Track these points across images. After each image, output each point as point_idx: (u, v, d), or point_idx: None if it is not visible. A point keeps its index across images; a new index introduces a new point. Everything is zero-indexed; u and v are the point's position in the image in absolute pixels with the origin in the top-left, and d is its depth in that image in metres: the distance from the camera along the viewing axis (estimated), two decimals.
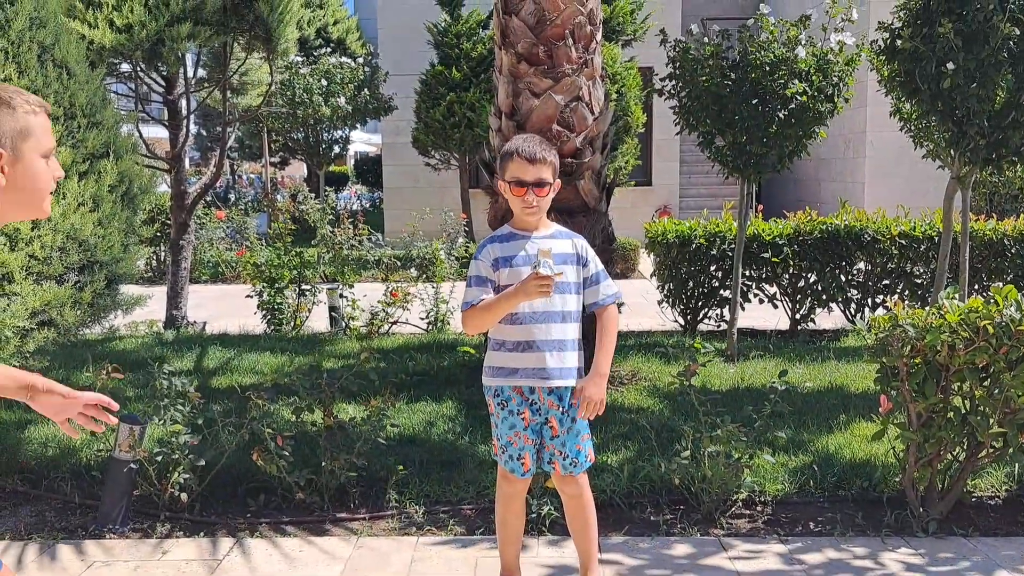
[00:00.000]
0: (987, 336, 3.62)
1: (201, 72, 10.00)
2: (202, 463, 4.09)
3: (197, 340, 7.65)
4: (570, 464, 3.12)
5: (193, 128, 21.16)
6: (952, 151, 5.97)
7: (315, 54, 17.57)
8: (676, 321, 8.25)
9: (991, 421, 3.76)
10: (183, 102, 8.55)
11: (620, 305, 3.34)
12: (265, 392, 4.48)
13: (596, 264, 3.15)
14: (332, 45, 21.63)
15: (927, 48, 5.61)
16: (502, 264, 3.05)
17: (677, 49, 6.79)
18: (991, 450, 3.87)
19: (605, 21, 12.81)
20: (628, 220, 14.63)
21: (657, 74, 7.43)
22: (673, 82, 6.88)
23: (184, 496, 4.05)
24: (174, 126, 8.54)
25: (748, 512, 4.10)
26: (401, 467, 4.28)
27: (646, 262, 12.07)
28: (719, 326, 8.10)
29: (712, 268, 7.98)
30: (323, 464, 4.14)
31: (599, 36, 6.08)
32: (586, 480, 3.20)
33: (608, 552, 3.73)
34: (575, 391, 3.06)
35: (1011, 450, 3.79)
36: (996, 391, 3.71)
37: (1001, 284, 6.67)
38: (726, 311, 7.90)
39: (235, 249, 12.84)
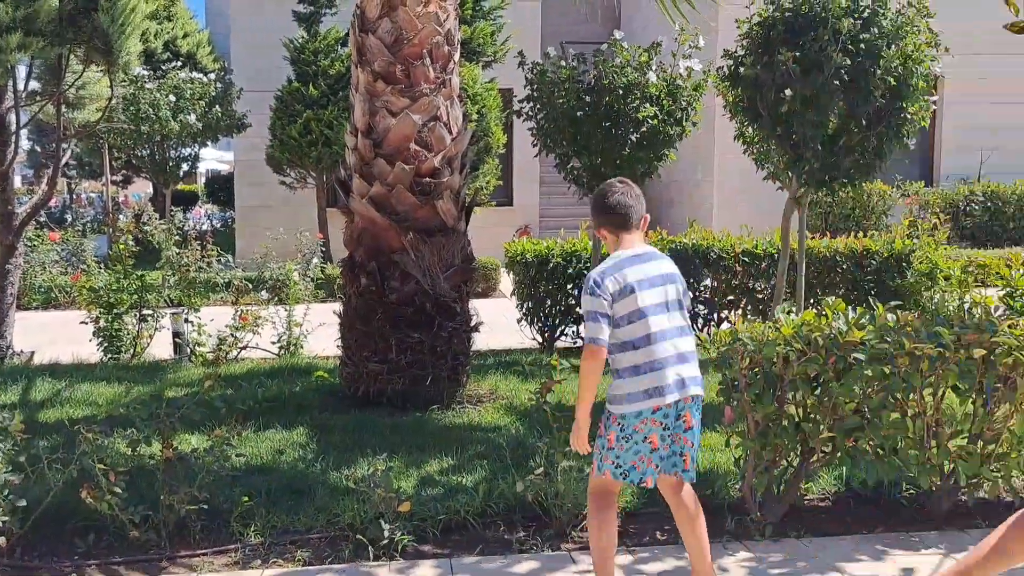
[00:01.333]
0: (817, 347, 3.80)
1: (34, 84, 9.45)
2: (23, 503, 3.79)
3: (22, 372, 7.15)
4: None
5: (26, 144, 19.97)
6: (790, 173, 6.27)
7: (163, 68, 16.90)
8: (535, 339, 8.32)
9: (822, 427, 3.94)
10: (12, 116, 8.05)
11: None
12: (98, 425, 4.21)
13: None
14: (182, 59, 20.89)
15: (767, 75, 5.88)
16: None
17: (535, 71, 6.90)
18: (821, 455, 4.07)
19: (465, 42, 12.89)
20: (489, 240, 14.67)
21: (516, 96, 7.51)
22: (531, 104, 6.98)
23: (2, 540, 3.74)
24: (1, 142, 8.03)
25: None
26: (246, 498, 4.12)
27: (506, 281, 12.16)
28: (575, 343, 8.22)
29: (569, 287, 8.09)
30: (161, 499, 3.93)
31: (457, 56, 6.10)
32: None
33: (458, 573, 3.70)
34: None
35: (839, 454, 4.00)
36: (826, 399, 3.90)
37: (833, 298, 7.02)
38: (582, 328, 8.02)
39: (70, 273, 12.14)
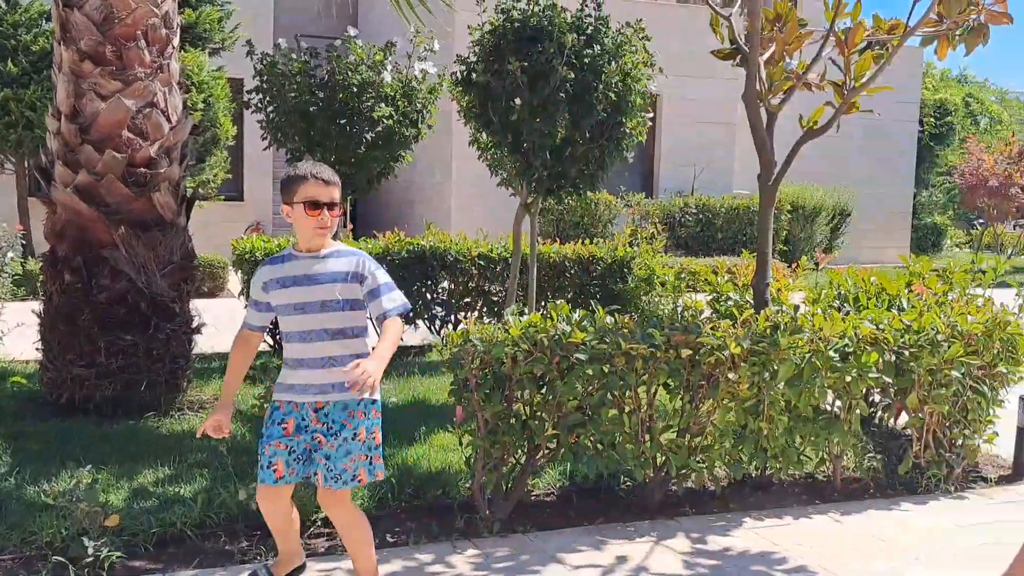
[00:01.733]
0: (543, 348, 3.95)
1: None
2: None
3: None
4: (332, 478, 3.18)
5: None
6: (520, 180, 6.46)
7: None
8: (266, 341, 8.03)
9: (547, 425, 4.10)
10: None
11: (409, 314, 3.61)
12: None
13: (374, 280, 3.20)
14: None
15: (498, 83, 6.02)
16: (273, 286, 3.21)
17: (264, 62, 6.66)
18: (547, 451, 4.23)
19: (190, 27, 12.24)
20: (218, 236, 14.02)
21: (247, 87, 7.21)
22: (260, 96, 6.73)
23: None
24: None
25: (328, 531, 4.05)
26: None
27: (235, 280, 11.69)
28: None
29: None
30: None
31: (177, 40, 5.76)
32: (347, 499, 3.31)
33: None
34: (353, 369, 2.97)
35: (563, 450, 4.18)
36: (551, 397, 4.06)
37: (560, 301, 7.36)
38: None
39: None
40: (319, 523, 4.05)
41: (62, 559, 3.55)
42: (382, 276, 3.24)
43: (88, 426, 5.21)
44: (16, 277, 8.68)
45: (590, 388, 4.11)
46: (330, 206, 3.17)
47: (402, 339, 7.72)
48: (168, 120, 5.60)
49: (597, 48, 6.08)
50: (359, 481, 3.24)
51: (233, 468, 4.39)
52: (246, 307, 3.39)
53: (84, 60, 5.33)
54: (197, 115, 11.68)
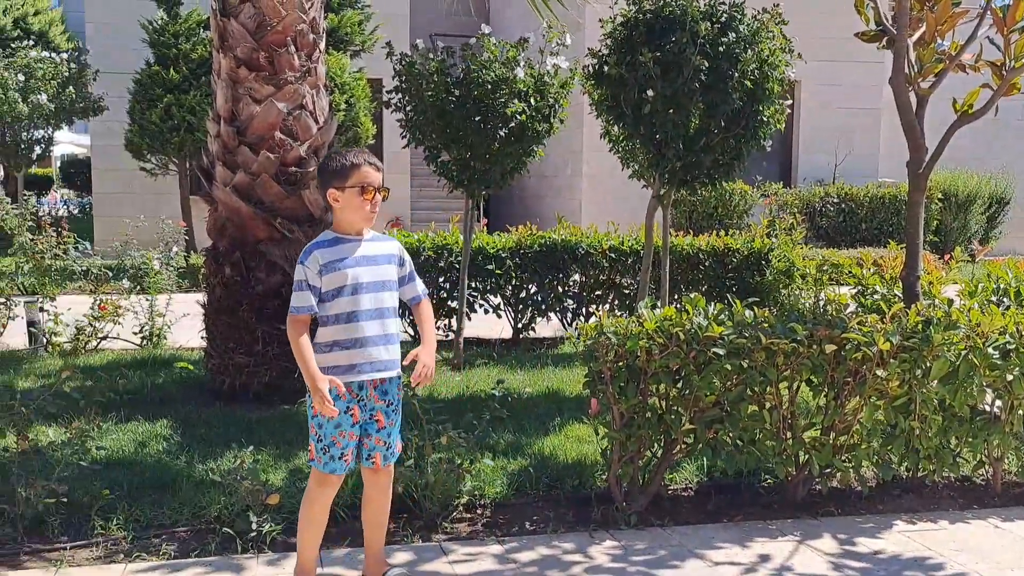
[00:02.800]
0: (679, 342, 3.96)
1: None
2: None
3: None
4: (391, 455, 3.39)
5: None
6: (653, 172, 6.46)
7: (12, 46, 15.95)
8: (407, 331, 8.31)
9: (683, 419, 4.11)
10: None
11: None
12: None
13: (410, 264, 3.48)
14: (33, 37, 19.78)
15: (630, 75, 6.03)
16: (330, 268, 3.26)
17: (403, 63, 6.86)
18: (683, 446, 4.24)
19: (333, 31, 12.72)
20: None
21: (386, 86, 7.46)
22: (399, 95, 6.94)
23: None
24: None
25: (469, 516, 4.20)
26: (106, 492, 3.98)
27: None
28: (447, 336, 8.26)
29: (440, 279, 8.12)
30: (17, 492, 3.76)
31: (323, 45, 6.02)
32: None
33: (330, 566, 3.69)
34: (409, 361, 3.30)
35: (700, 445, 4.18)
36: (687, 392, 4.07)
37: (695, 294, 7.34)
38: (454, 321, 8.07)
39: None
40: (460, 508, 4.21)
41: (230, 532, 3.82)
42: (412, 262, 3.51)
43: (248, 410, 5.55)
44: (181, 271, 9.27)
45: (728, 383, 4.09)
46: (379, 190, 3.33)
47: (534, 330, 7.84)
48: (316, 121, 5.88)
49: (732, 36, 6.01)
50: (399, 450, 3.48)
51: None
52: (296, 291, 3.28)
53: (240, 66, 5.66)
54: (340, 115, 12.13)
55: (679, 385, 4.11)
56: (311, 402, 3.25)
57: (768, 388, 4.14)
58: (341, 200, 3.30)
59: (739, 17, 6.09)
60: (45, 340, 7.41)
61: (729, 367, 4.02)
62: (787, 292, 8.45)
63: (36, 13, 21.00)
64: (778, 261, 8.59)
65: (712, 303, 4.23)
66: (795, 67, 6.32)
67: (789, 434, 4.25)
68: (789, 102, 6.49)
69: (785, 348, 4.01)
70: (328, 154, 3.55)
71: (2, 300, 7.52)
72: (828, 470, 4.36)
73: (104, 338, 7.46)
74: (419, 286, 3.49)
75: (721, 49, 5.97)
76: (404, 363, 3.34)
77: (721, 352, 3.95)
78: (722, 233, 9.08)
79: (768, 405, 4.20)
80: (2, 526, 3.77)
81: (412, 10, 17.29)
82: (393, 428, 3.37)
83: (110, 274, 8.72)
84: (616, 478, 4.22)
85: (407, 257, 3.46)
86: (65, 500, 3.87)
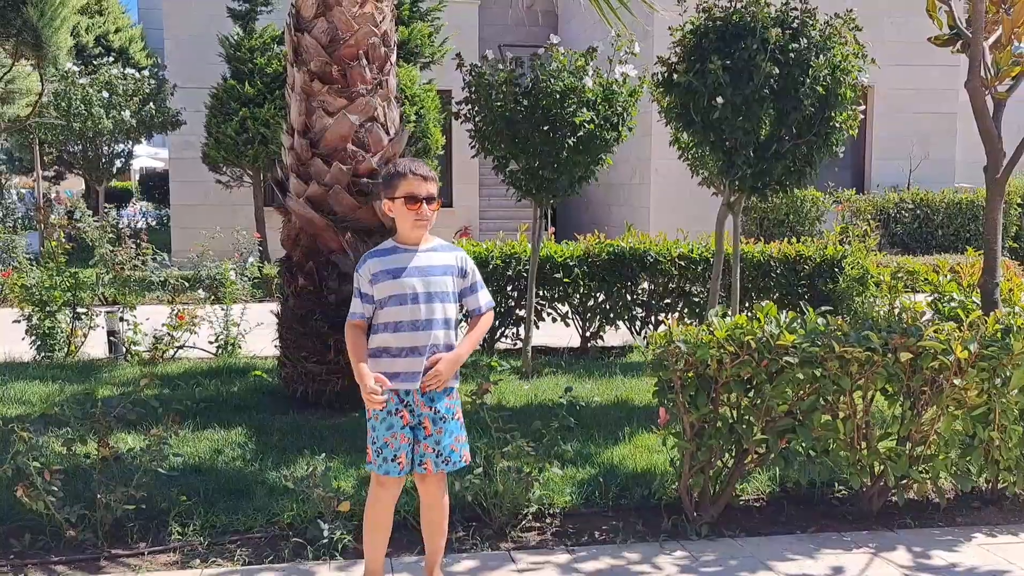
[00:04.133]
0: (750, 350, 3.91)
1: None
2: None
3: None
4: (443, 462, 3.36)
5: None
6: (723, 179, 6.40)
7: (95, 63, 16.52)
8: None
9: (755, 429, 4.05)
10: None
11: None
12: (32, 423, 4.16)
13: (474, 275, 3.46)
14: (114, 54, 20.46)
15: (700, 82, 5.99)
16: (382, 277, 3.31)
17: (472, 74, 6.92)
18: (755, 456, 4.18)
19: (402, 43, 12.88)
20: None
21: (455, 98, 7.54)
22: (469, 106, 7.00)
23: None
24: None
25: (538, 525, 4.21)
26: (184, 498, 4.09)
27: None
28: (515, 344, 8.28)
29: (508, 288, 8.15)
30: (98, 498, 3.89)
31: (394, 57, 6.11)
32: (446, 481, 3.47)
33: (399, 572, 3.72)
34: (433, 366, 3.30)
35: (772, 455, 4.11)
36: (759, 401, 4.02)
37: (766, 302, 7.22)
38: (522, 330, 8.09)
39: (1, 269, 11.83)
40: (529, 516, 4.21)
41: (300, 540, 3.89)
42: (478, 273, 3.48)
43: (320, 418, 5.65)
44: (255, 281, 9.48)
45: (801, 392, 4.03)
46: (428, 200, 3.31)
47: (602, 339, 7.81)
48: (387, 133, 5.96)
49: (803, 42, 5.94)
50: (465, 461, 3.43)
51: None
52: (353, 298, 3.40)
53: (313, 80, 5.77)
54: (410, 127, 12.27)
55: (750, 394, 4.06)
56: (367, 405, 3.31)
57: (842, 397, 4.07)
58: (393, 210, 3.36)
59: (810, 23, 6.01)
60: (125, 349, 7.64)
61: (802, 376, 3.95)
62: (861, 300, 8.27)
63: (117, 31, 21.72)
64: (851, 268, 8.42)
65: (784, 311, 4.17)
66: (868, 72, 6.21)
67: (864, 444, 4.16)
68: (862, 107, 6.36)
69: (859, 356, 3.93)
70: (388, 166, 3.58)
71: (84, 310, 7.78)
72: (904, 481, 4.25)
73: (181, 347, 7.66)
74: (482, 298, 3.46)
75: (792, 55, 5.89)
76: (426, 363, 3.29)
77: (793, 361, 3.89)
78: (794, 240, 8.93)
79: (842, 415, 4.12)
80: (83, 531, 3.89)
81: (481, 22, 17.43)
82: (443, 436, 3.35)
83: (187, 284, 8.96)
84: (686, 488, 4.18)
85: (471, 268, 3.45)
86: (144, 506, 3.99)
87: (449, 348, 3.35)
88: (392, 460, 3.32)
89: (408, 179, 3.31)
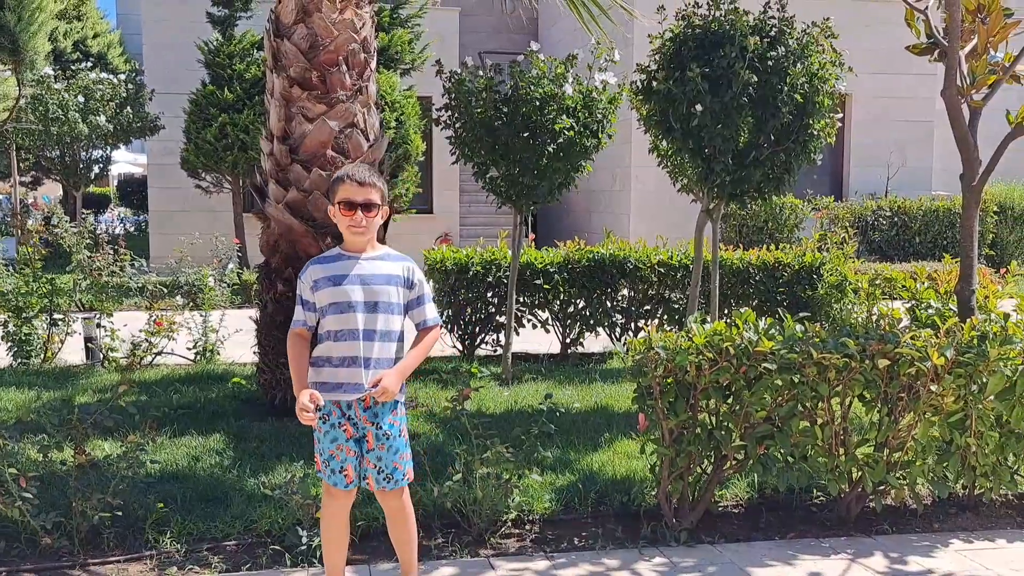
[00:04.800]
0: (729, 357, 3.93)
1: None
2: None
3: None
4: (384, 479, 3.30)
5: None
6: (702, 186, 6.44)
7: (72, 68, 16.43)
8: (455, 346, 8.36)
9: (734, 435, 4.07)
10: None
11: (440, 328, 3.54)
12: (7, 430, 4.11)
13: (421, 287, 3.36)
14: (92, 59, 20.34)
15: (679, 90, 6.03)
16: (323, 284, 3.23)
17: (452, 80, 6.93)
18: (734, 462, 4.19)
19: (383, 49, 12.87)
20: (409, 247, 14.53)
21: (435, 104, 7.54)
22: (448, 113, 7.01)
23: None
24: None
25: (517, 531, 4.20)
26: (161, 505, 4.06)
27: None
28: (495, 351, 8.28)
29: (488, 294, 8.15)
30: (73, 505, 3.85)
31: (374, 64, 6.10)
32: (407, 495, 3.42)
33: None
34: (377, 384, 3.20)
35: (751, 461, 4.13)
36: (738, 407, 4.03)
37: (745, 309, 7.27)
38: (502, 336, 8.09)
39: None
40: (508, 523, 4.21)
41: (279, 547, 3.87)
42: (427, 286, 3.40)
43: (298, 425, 5.56)
44: (234, 287, 9.43)
45: (779, 399, 4.05)
46: (365, 207, 3.22)
47: (582, 345, 7.78)
48: (367, 139, 5.95)
49: (781, 50, 6.00)
50: (408, 479, 3.38)
51: (429, 468, 4.60)
52: (296, 305, 3.35)
53: (293, 86, 5.75)
54: (390, 133, 12.26)
55: (729, 400, 4.08)
56: (319, 414, 3.25)
57: (820, 404, 4.10)
58: (334, 216, 3.30)
59: (788, 31, 6.07)
60: (102, 356, 7.58)
61: (780, 382, 3.98)
62: (839, 307, 8.34)
63: (95, 36, 21.58)
64: (830, 275, 8.49)
65: (763, 318, 4.20)
66: (845, 80, 6.27)
67: (842, 450, 4.19)
68: (840, 115, 6.43)
69: (837, 363, 3.96)
70: None
71: (60, 317, 7.71)
72: (882, 487, 4.28)
73: (159, 353, 7.61)
74: (428, 312, 3.35)
75: (770, 63, 5.95)
76: (368, 383, 3.21)
77: (772, 367, 3.92)
78: (772, 247, 8.99)
79: (820, 421, 4.14)
80: (59, 539, 3.85)
81: (461, 28, 17.45)
82: (385, 452, 3.28)
83: (165, 291, 8.89)
84: (665, 494, 4.19)
85: (419, 279, 3.35)
86: (120, 513, 3.95)
87: (392, 361, 3.27)
88: (339, 472, 3.27)
89: (345, 184, 3.24)
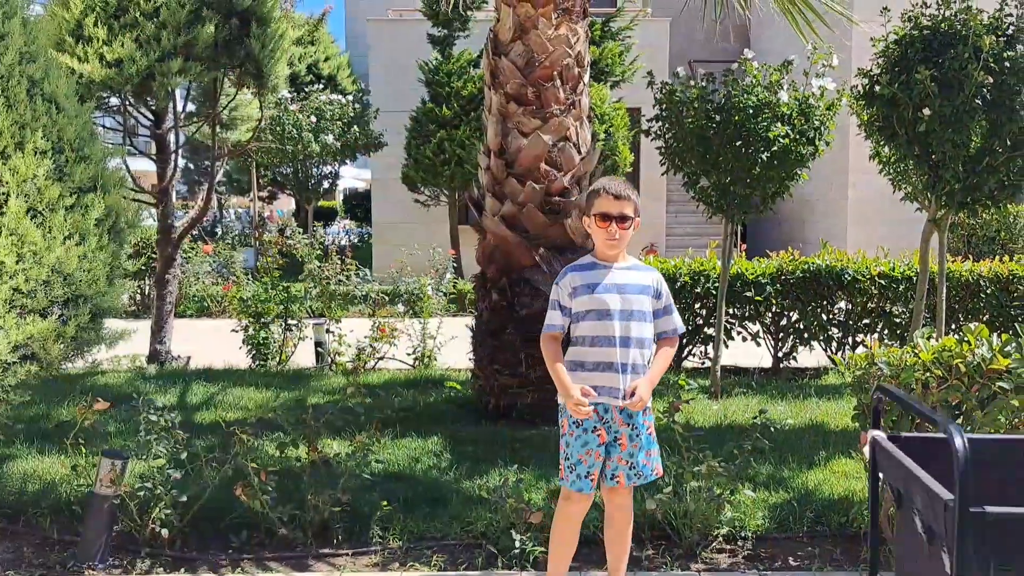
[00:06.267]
0: (959, 375, 3.70)
1: (191, 106, 10.08)
2: (184, 499, 4.07)
3: (180, 375, 7.67)
4: (635, 475, 3.41)
5: (181, 162, 21.17)
6: (928, 194, 6.09)
7: (305, 90, 17.70)
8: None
9: None
10: (171, 136, 8.62)
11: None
12: (249, 427, 4.51)
13: (667, 298, 3.49)
14: (323, 81, 21.80)
15: (904, 94, 5.75)
16: (581, 292, 3.37)
17: (663, 91, 6.92)
18: None
19: (594, 63, 13.02)
20: None
21: (644, 115, 7.56)
22: (659, 123, 7.00)
23: (165, 532, 4.03)
24: (162, 160, 8.60)
25: (729, 547, 4.14)
26: (385, 503, 4.30)
27: None
28: (703, 363, 8.17)
29: (696, 306, 8.06)
30: (307, 499, 4.16)
31: (587, 78, 6.20)
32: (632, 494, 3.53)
33: None
34: (632, 393, 3.33)
35: None
36: (969, 428, 3.79)
37: (976, 324, 6.80)
38: (710, 348, 7.98)
39: (221, 284, 12.86)
40: (719, 538, 4.16)
41: (493, 549, 4.02)
42: (671, 297, 3.50)
43: (511, 430, 5.79)
44: (451, 296, 9.85)
45: (1016, 421, 3.76)
46: (620, 219, 3.33)
47: (795, 359, 7.49)
48: (579, 152, 6.06)
49: (1020, 49, 5.60)
50: (657, 474, 3.45)
51: None
52: (549, 310, 3.46)
53: (509, 102, 5.95)
54: (600, 145, 12.38)
55: (959, 421, 3.83)
56: (561, 420, 3.38)
57: None
58: (589, 227, 3.43)
59: None
60: (330, 359, 8.12)
61: (1016, 403, 3.70)
62: None
63: (327, 59, 23.11)
64: None
65: (996, 334, 3.92)
66: None
67: None
68: None
69: None
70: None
71: (294, 322, 8.32)
72: None
73: (381, 358, 8.05)
74: (673, 321, 3.47)
75: (1007, 64, 5.55)
76: (626, 389, 3.33)
77: (1008, 387, 3.65)
78: (1006, 259, 8.35)
79: None
80: (293, 530, 4.17)
81: (671, 38, 17.34)
82: (638, 450, 3.39)
83: (387, 299, 9.42)
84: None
85: (665, 290, 3.47)
86: (347, 509, 4.23)
87: (645, 367, 3.37)
88: (585, 477, 3.37)
89: (601, 197, 3.38)
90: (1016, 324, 7.58)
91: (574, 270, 3.43)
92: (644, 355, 3.38)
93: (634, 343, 3.34)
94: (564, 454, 3.43)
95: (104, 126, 9.26)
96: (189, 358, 8.69)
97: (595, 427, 3.36)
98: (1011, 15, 5.72)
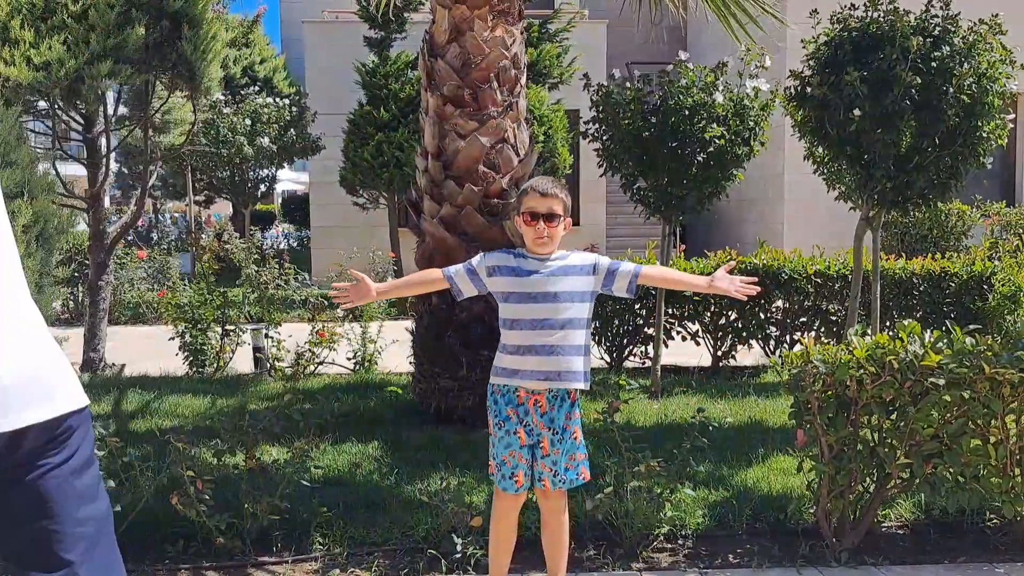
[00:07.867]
0: (893, 371, 3.77)
1: (122, 110, 9.84)
2: (118, 508, 3.96)
3: (115, 383, 7.48)
4: (559, 480, 3.37)
5: (114, 166, 20.68)
6: (861, 193, 6.21)
7: (241, 92, 17.43)
8: (602, 358, 8.35)
9: (898, 453, 3.90)
10: (103, 140, 8.41)
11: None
12: (186, 435, 4.40)
13: (609, 262, 3.42)
14: (259, 84, 21.49)
15: (835, 95, 5.85)
16: (505, 272, 3.35)
17: (600, 93, 6.95)
18: (898, 481, 4.01)
19: (532, 65, 13.04)
20: None
21: (583, 117, 7.59)
22: (596, 125, 7.03)
23: None
24: (93, 164, 8.39)
25: (670, 546, 4.17)
26: (324, 509, 4.24)
27: None
28: (644, 363, 8.23)
29: (636, 306, 8.11)
30: (245, 507, 4.08)
31: (524, 80, 6.20)
32: (566, 500, 3.48)
33: None
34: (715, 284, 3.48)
35: (917, 481, 3.94)
36: (902, 424, 3.86)
37: (909, 321, 6.93)
38: (651, 348, 8.03)
39: (157, 289, 12.59)
40: (660, 537, 4.17)
41: (435, 553, 3.98)
42: (608, 260, 3.43)
43: (453, 433, 5.76)
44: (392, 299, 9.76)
45: (948, 416, 3.85)
46: (548, 217, 3.30)
47: (734, 358, 7.60)
48: (517, 154, 6.05)
49: (946, 50, 5.73)
50: (583, 479, 3.42)
51: None
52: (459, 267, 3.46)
53: (446, 104, 5.92)
54: (538, 147, 12.39)
55: (893, 417, 3.91)
56: (494, 420, 3.37)
57: (993, 421, 3.86)
58: (520, 226, 3.41)
59: (953, 30, 5.79)
60: (269, 365, 7.99)
61: (949, 399, 3.78)
62: (1013, 319, 7.84)
63: (262, 61, 22.77)
64: (1002, 285, 8.00)
65: (928, 330, 4.00)
66: (1017, 79, 5.92)
67: (1017, 471, 3.94)
68: (1012, 116, 6.07)
69: (1012, 378, 3.73)
70: None
71: (232, 328, 8.18)
72: None
73: (321, 363, 7.95)
74: (626, 266, 3.41)
75: (934, 64, 5.69)
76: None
77: (940, 382, 3.73)
78: (938, 256, 8.56)
79: (993, 439, 3.90)
80: (232, 539, 4.08)
81: (608, 41, 17.46)
82: (560, 456, 3.35)
83: (326, 303, 9.29)
84: (825, 512, 4.06)
85: (603, 261, 3.42)
86: (287, 516, 4.15)
87: (578, 349, 3.31)
88: (509, 477, 3.36)
89: (529, 195, 3.36)
90: (948, 321, 7.77)
91: (508, 252, 3.42)
92: (571, 336, 3.30)
93: (558, 324, 3.28)
94: (491, 452, 3.44)
95: (34, 131, 9.01)
96: (124, 366, 8.48)
97: (515, 428, 3.34)
98: (936, 16, 5.85)
